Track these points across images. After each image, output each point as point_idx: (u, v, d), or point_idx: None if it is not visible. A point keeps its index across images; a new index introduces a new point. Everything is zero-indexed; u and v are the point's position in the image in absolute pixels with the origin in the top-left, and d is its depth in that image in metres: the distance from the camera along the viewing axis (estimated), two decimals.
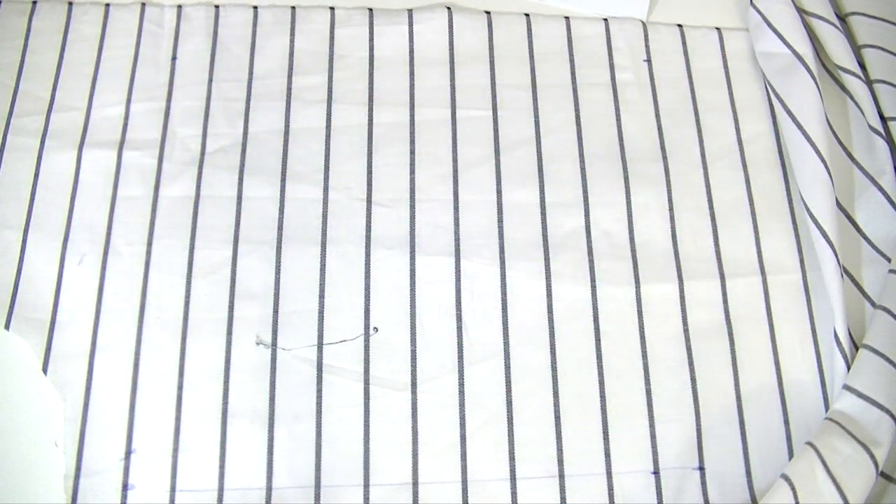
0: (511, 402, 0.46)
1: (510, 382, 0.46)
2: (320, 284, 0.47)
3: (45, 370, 0.45)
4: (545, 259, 0.49)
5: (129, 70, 0.53)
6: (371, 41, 0.54)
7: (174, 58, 0.53)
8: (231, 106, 0.52)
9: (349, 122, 0.52)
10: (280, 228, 0.49)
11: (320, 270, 0.48)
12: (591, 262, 0.49)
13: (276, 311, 0.47)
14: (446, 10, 0.55)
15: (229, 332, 0.46)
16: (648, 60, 0.55)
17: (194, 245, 0.48)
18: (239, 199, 0.49)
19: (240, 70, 0.53)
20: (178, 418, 0.44)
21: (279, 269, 0.48)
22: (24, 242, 0.48)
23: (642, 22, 0.57)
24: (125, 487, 0.42)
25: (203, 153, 0.50)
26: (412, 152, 0.51)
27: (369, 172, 0.51)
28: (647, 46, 0.56)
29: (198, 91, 0.52)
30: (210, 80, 0.53)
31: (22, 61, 0.53)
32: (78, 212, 0.49)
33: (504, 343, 0.47)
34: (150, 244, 0.48)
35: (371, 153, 0.51)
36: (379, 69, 0.53)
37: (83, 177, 0.49)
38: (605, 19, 0.56)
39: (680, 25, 0.57)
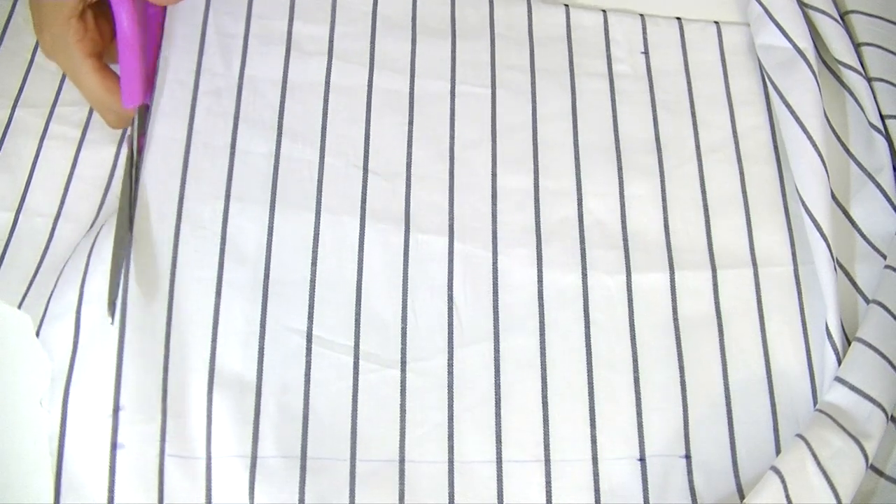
0: (499, 386, 0.45)
1: (499, 367, 0.46)
2: (313, 253, 0.47)
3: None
4: (537, 245, 0.49)
5: None
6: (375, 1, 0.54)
7: None
8: (227, 42, 0.51)
9: (348, 83, 0.51)
10: (274, 188, 0.48)
11: (314, 239, 0.47)
12: (583, 249, 0.49)
13: (266, 277, 0.46)
14: None
15: (218, 294, 0.45)
16: (646, 52, 0.56)
17: (184, 194, 0.47)
18: (232, 151, 0.48)
19: (238, 4, 0.52)
20: (164, 380, 0.43)
21: (271, 233, 0.47)
22: (52, 229, 0.47)
23: (640, 14, 0.57)
24: (114, 447, 0.41)
25: (196, 90, 0.50)
26: (410, 123, 0.51)
27: (367, 140, 0.50)
28: (644, 39, 0.56)
29: (193, 17, 0.51)
30: (207, 9, 0.52)
31: None
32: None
33: (494, 327, 0.47)
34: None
35: (369, 120, 0.51)
36: (381, 31, 0.53)
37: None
38: (604, 10, 0.57)
39: (679, 18, 0.57)
